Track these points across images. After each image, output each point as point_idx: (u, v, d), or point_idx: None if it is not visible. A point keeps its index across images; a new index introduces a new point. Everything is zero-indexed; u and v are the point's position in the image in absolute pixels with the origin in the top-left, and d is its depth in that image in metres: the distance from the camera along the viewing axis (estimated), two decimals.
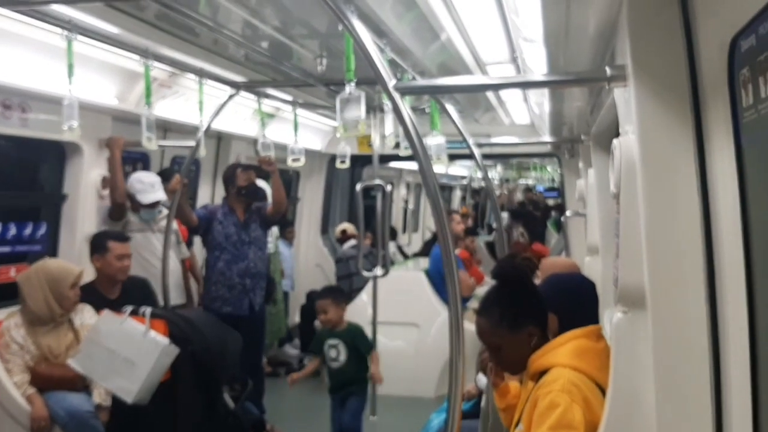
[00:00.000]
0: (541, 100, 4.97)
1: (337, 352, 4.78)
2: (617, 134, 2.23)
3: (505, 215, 12.08)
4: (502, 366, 2.54)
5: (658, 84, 1.85)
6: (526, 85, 4.20)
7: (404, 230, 12.45)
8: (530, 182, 20.28)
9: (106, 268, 4.32)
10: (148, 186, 4.90)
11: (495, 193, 7.45)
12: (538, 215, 13.13)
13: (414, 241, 12.65)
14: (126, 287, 4.44)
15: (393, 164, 9.88)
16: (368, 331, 5.76)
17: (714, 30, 1.64)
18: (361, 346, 4.82)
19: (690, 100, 1.81)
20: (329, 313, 4.77)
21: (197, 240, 5.86)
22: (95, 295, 4.22)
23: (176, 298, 5.03)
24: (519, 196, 17.93)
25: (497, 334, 2.40)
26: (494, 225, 7.40)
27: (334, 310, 4.79)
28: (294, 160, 5.34)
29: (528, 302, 2.45)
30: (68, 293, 3.89)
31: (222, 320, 4.66)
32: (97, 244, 4.37)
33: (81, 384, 3.86)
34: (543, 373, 2.30)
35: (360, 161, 6.86)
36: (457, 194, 17.63)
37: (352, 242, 7.90)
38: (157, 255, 4.92)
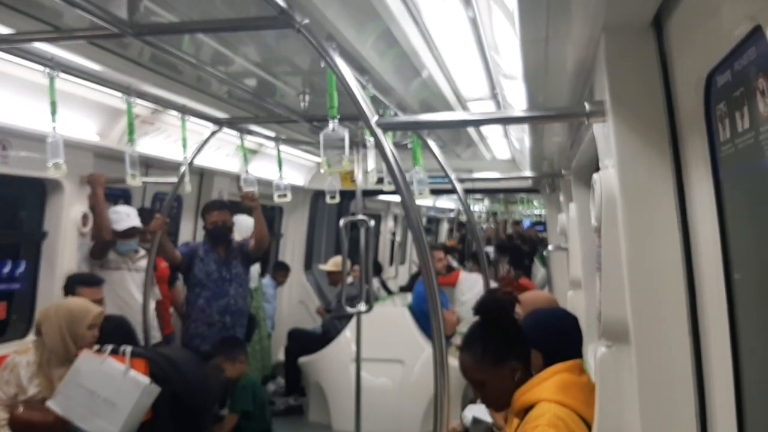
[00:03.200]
0: (522, 135, 5.01)
1: None
2: (597, 169, 2.25)
3: (490, 249, 12.09)
4: (487, 402, 2.52)
5: (636, 119, 1.87)
6: (506, 121, 4.23)
7: (391, 263, 12.41)
8: (517, 216, 20.33)
9: None
10: (123, 216, 4.87)
11: (479, 227, 7.43)
12: (526, 249, 13.12)
13: (401, 274, 12.62)
14: (103, 328, 4.35)
15: (381, 197, 9.93)
16: (352, 369, 5.69)
17: (690, 66, 1.67)
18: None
19: (668, 135, 1.83)
20: (227, 371, 4.71)
21: (182, 276, 5.79)
22: None
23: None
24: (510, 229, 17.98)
25: (480, 370, 2.40)
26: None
27: (231, 367, 4.73)
28: (280, 196, 5.34)
29: (510, 337, 2.45)
30: (85, 332, 3.79)
31: (202, 358, 4.60)
32: (67, 291, 4.29)
33: (62, 429, 3.75)
34: (528, 409, 2.29)
35: (346, 195, 6.89)
36: (445, 227, 17.66)
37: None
38: (131, 294, 4.87)
